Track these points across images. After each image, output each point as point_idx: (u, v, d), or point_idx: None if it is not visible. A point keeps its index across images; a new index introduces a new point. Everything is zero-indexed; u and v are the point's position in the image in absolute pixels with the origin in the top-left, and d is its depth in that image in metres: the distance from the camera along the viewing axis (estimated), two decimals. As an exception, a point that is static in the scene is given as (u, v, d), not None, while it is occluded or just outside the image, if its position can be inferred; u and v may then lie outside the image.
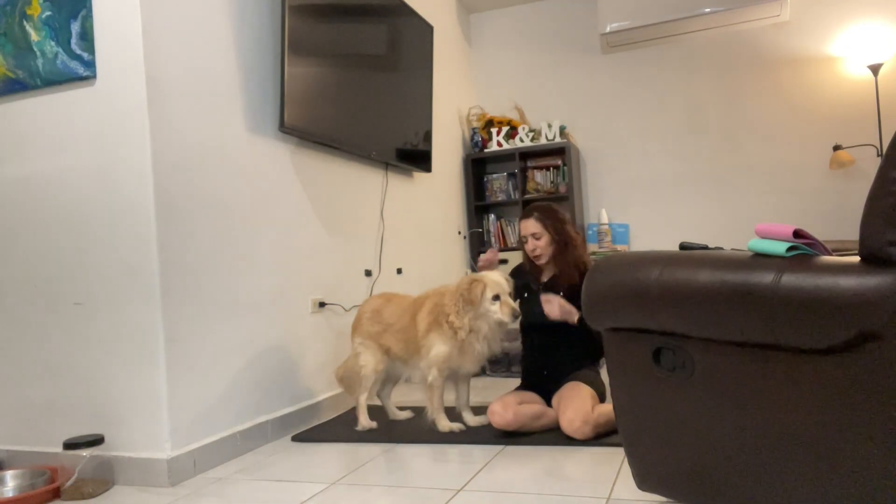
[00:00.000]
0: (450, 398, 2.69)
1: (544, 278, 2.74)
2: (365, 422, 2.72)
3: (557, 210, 2.76)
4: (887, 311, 1.05)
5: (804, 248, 1.23)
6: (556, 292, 2.61)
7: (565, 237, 2.68)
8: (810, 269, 1.15)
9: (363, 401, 2.74)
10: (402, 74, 3.92)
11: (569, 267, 2.66)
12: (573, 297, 2.57)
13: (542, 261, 2.70)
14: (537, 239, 2.69)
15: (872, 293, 1.06)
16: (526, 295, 2.76)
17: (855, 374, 1.13)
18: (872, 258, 1.09)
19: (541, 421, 2.48)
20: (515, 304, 2.52)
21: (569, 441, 2.32)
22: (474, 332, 2.50)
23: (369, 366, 2.72)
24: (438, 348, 2.53)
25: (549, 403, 2.59)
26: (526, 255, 2.75)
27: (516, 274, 2.82)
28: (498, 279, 2.54)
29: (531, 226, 2.70)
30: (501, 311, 2.47)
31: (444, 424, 2.58)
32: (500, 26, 5.56)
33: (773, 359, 1.24)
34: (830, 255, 1.22)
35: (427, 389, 2.60)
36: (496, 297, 2.48)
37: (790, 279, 1.16)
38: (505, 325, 2.52)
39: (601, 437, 2.33)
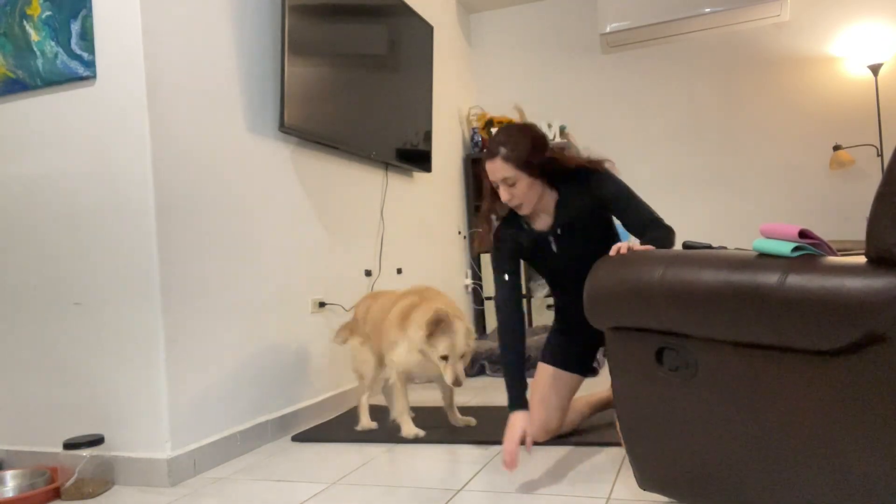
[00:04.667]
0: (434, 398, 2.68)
1: (541, 226, 2.20)
2: (366, 422, 2.70)
3: (528, 131, 2.09)
4: (894, 312, 1.04)
5: (809, 249, 1.22)
6: (574, 236, 2.14)
7: (549, 166, 2.08)
8: (816, 270, 1.15)
9: (364, 400, 2.73)
10: (402, 74, 3.91)
11: (574, 198, 2.11)
12: (596, 227, 2.15)
13: (525, 211, 2.12)
14: (511, 185, 2.04)
15: (879, 294, 1.05)
16: (537, 246, 2.21)
17: (861, 375, 1.13)
18: (879, 259, 1.09)
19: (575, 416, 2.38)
20: (461, 372, 2.32)
21: (569, 441, 2.32)
22: (423, 365, 2.44)
23: (368, 365, 2.71)
24: (398, 351, 2.48)
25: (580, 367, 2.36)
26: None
27: (511, 223, 2.23)
28: (452, 344, 2.33)
29: (498, 168, 2.04)
30: (445, 372, 2.33)
31: (408, 430, 2.52)
32: (500, 26, 5.56)
33: (778, 360, 1.24)
34: (836, 255, 1.21)
35: (390, 389, 2.58)
36: (444, 358, 2.33)
37: (795, 280, 1.16)
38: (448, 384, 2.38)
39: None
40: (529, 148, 2.04)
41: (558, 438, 2.33)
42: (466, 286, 5.09)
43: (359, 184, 3.58)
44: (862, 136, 4.54)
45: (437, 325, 2.32)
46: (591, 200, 2.11)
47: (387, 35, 3.73)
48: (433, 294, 2.60)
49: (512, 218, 2.23)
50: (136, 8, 2.21)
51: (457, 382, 2.30)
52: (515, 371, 2.07)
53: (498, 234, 2.24)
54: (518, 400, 2.02)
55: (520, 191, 2.04)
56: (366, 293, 2.94)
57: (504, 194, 2.07)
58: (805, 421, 1.23)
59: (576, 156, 2.19)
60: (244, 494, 2.04)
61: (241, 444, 2.49)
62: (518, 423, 1.96)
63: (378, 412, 2.85)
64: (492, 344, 4.05)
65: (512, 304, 2.16)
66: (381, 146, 3.63)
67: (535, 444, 2.23)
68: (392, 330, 2.52)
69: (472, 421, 2.64)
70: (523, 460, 2.18)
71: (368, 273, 3.60)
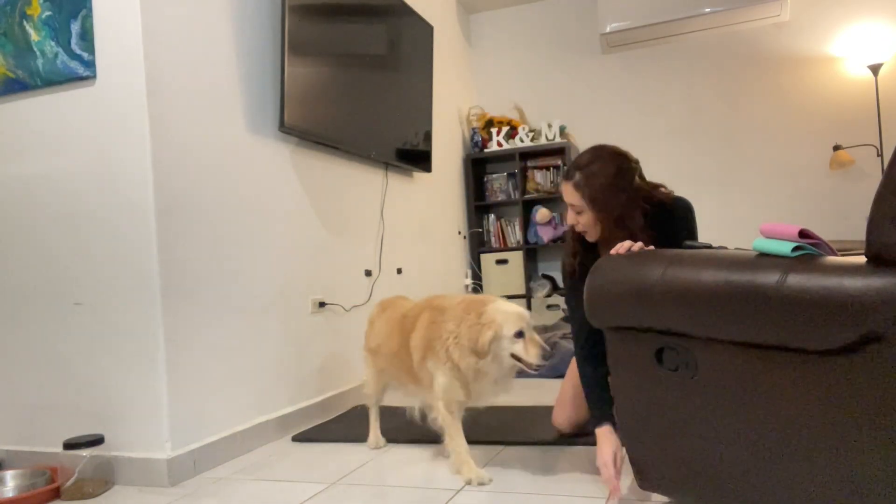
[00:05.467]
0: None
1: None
2: (374, 439, 2.49)
3: (613, 162, 1.89)
4: (893, 312, 1.04)
5: (809, 249, 1.22)
6: None
7: (617, 210, 1.86)
8: (816, 270, 1.15)
9: (372, 419, 2.53)
10: (402, 74, 3.91)
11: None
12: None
13: (592, 238, 1.96)
14: (578, 213, 1.92)
15: (878, 294, 1.05)
16: None
17: (860, 375, 1.13)
18: (878, 259, 1.09)
19: None
20: (543, 341, 1.94)
21: (568, 441, 2.32)
22: (482, 373, 1.99)
23: (370, 385, 2.51)
24: (439, 381, 2.05)
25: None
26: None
27: (586, 245, 2.02)
28: (518, 312, 1.97)
29: (569, 193, 1.91)
30: (527, 351, 1.91)
31: (470, 471, 2.00)
32: (500, 26, 5.56)
33: (777, 359, 1.24)
34: (836, 255, 1.21)
35: (441, 429, 2.11)
36: (519, 334, 1.93)
37: (795, 279, 1.16)
38: (531, 367, 1.94)
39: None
40: (605, 185, 1.86)
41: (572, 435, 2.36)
42: (466, 286, 5.09)
43: (359, 184, 3.58)
44: (862, 136, 4.54)
45: (480, 331, 1.93)
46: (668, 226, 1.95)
47: (387, 35, 3.73)
48: (440, 301, 2.18)
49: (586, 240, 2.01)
50: (136, 8, 2.21)
51: (545, 354, 1.91)
52: (596, 389, 1.93)
53: (573, 258, 2.06)
54: (602, 417, 1.88)
55: (585, 221, 1.92)
56: (389, 296, 2.65)
57: (570, 217, 1.96)
58: (804, 420, 1.22)
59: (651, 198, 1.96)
60: (244, 494, 2.04)
61: (241, 444, 2.49)
62: (607, 442, 1.83)
63: (385, 414, 2.80)
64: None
65: (585, 334, 1.96)
66: (381, 146, 3.63)
67: (564, 437, 2.32)
68: (418, 361, 2.13)
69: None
70: (525, 460, 2.17)
71: (368, 273, 3.60)
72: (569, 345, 3.59)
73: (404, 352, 2.19)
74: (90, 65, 2.26)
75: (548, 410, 2.71)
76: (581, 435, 2.35)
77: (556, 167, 5.12)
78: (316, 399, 3.02)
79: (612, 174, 1.87)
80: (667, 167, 5.05)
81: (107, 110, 2.26)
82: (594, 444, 2.29)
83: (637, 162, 1.95)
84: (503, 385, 2.06)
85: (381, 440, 2.50)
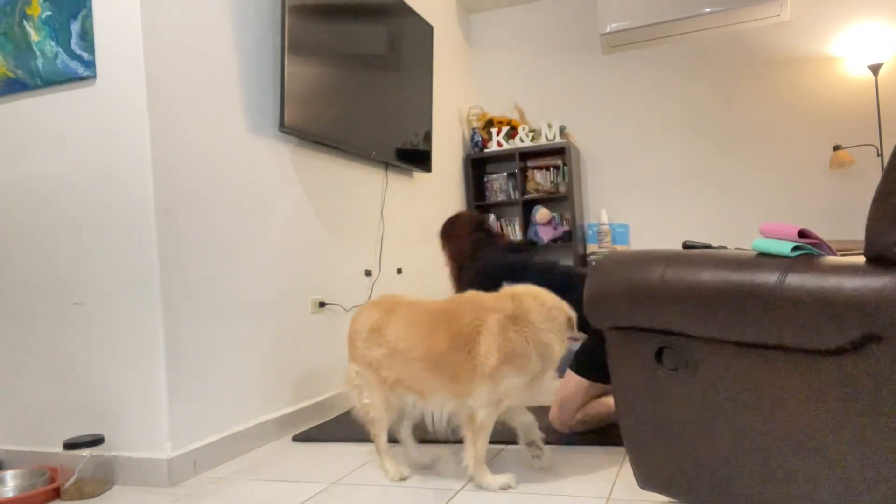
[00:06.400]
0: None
1: None
2: (394, 471, 2.09)
3: (457, 222, 2.82)
4: (892, 312, 1.04)
5: (809, 249, 1.22)
6: None
7: (457, 257, 2.72)
8: (815, 270, 1.15)
9: (383, 446, 2.12)
10: (402, 74, 3.91)
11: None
12: None
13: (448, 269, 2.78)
14: (442, 249, 2.81)
15: (878, 294, 1.05)
16: None
17: (859, 375, 1.13)
18: (878, 259, 1.09)
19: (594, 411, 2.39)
20: None
21: (567, 440, 2.32)
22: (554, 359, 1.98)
23: (378, 405, 2.08)
24: (512, 381, 1.89)
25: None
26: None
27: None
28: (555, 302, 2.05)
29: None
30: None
31: (491, 479, 1.93)
32: (500, 26, 5.56)
33: (777, 359, 1.24)
34: (836, 255, 1.21)
35: (474, 432, 1.93)
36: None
37: (794, 279, 1.16)
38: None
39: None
40: (446, 230, 2.85)
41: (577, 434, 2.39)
42: (466, 286, 5.09)
43: (359, 184, 3.58)
44: (862, 136, 4.54)
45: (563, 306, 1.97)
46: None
47: (387, 35, 3.73)
48: (484, 301, 2.00)
49: None
50: (136, 8, 2.21)
51: None
52: None
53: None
54: None
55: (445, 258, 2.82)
56: (372, 298, 2.47)
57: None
58: (804, 420, 1.23)
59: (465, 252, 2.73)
60: (244, 494, 2.04)
61: (241, 444, 2.49)
62: None
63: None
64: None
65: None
66: (381, 146, 3.64)
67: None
68: (494, 366, 1.89)
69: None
70: (525, 460, 2.17)
71: (368, 273, 3.60)
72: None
73: (457, 356, 1.93)
74: (90, 65, 2.26)
75: (547, 410, 2.71)
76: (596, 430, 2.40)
77: (557, 167, 5.12)
78: (316, 399, 3.02)
79: (450, 225, 2.85)
80: (666, 167, 5.06)
81: (107, 110, 2.26)
82: (594, 443, 2.31)
83: (478, 227, 2.80)
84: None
85: (405, 469, 2.12)
